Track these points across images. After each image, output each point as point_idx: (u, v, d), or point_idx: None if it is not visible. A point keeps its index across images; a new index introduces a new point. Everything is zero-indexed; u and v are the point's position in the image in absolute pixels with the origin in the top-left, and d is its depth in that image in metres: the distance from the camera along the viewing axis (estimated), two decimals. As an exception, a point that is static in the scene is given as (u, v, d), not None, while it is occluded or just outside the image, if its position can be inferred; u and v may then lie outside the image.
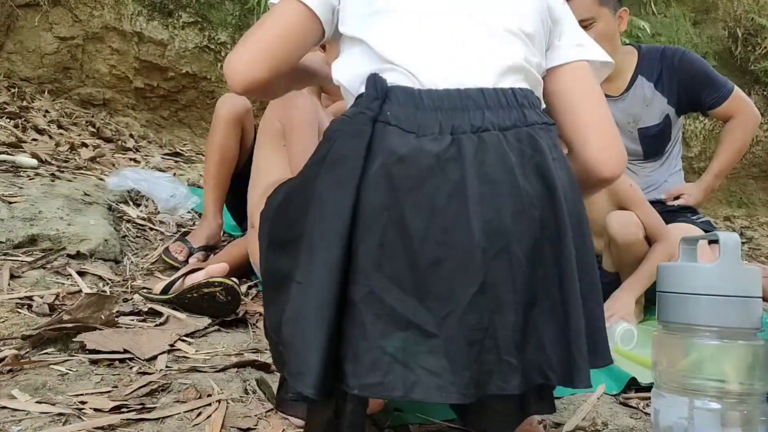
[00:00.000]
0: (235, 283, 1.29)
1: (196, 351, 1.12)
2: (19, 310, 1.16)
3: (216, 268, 1.33)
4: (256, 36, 0.81)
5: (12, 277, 1.27)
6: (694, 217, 1.89)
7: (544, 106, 0.82)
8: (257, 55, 0.80)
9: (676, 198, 1.90)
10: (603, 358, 0.74)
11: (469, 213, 0.66)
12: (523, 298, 0.67)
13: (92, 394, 0.89)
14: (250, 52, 0.80)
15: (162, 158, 2.71)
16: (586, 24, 1.75)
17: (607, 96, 1.61)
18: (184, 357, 1.09)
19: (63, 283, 1.31)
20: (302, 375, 0.65)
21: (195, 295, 1.28)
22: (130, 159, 2.52)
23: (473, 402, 0.66)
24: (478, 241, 0.66)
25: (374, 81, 0.73)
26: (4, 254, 1.35)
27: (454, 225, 0.66)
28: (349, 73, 0.79)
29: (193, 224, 1.96)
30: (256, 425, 0.87)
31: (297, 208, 0.74)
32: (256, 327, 1.31)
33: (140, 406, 0.87)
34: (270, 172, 1.55)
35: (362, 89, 0.75)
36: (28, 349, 1.02)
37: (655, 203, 1.93)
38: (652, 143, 1.92)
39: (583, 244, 0.73)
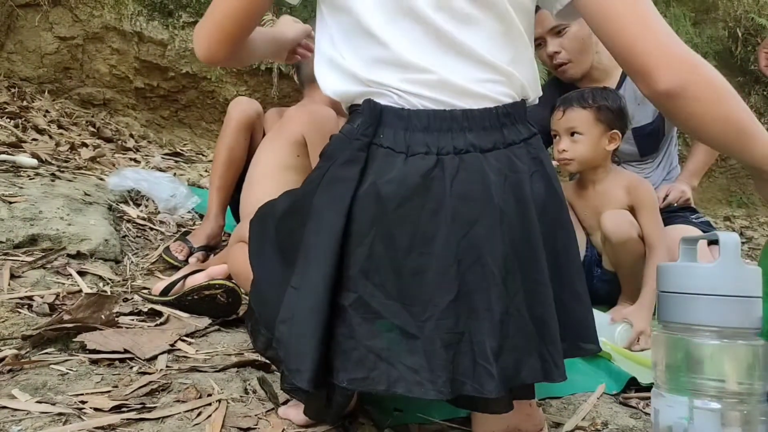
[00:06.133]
0: (236, 284, 1.29)
1: (197, 351, 1.12)
2: (20, 309, 1.16)
3: (217, 270, 1.33)
4: (213, 18, 0.88)
5: (12, 276, 1.27)
6: (693, 217, 1.88)
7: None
8: (214, 40, 0.89)
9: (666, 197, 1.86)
10: (591, 348, 0.83)
11: (449, 227, 0.72)
12: (497, 306, 0.72)
13: (92, 393, 0.89)
14: (208, 36, 0.89)
15: (162, 158, 2.72)
16: (559, 29, 1.77)
17: None
18: (184, 357, 1.09)
19: (63, 283, 1.31)
20: (300, 372, 0.73)
21: (195, 297, 1.28)
22: (131, 159, 2.53)
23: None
24: (455, 253, 0.72)
25: (370, 107, 0.78)
26: (5, 254, 1.35)
27: (434, 238, 0.73)
28: (339, 90, 0.83)
29: (194, 224, 1.97)
30: (256, 425, 0.87)
31: (297, 219, 0.82)
32: (256, 327, 1.30)
33: (140, 406, 0.87)
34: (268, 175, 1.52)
35: (356, 101, 0.81)
36: (28, 349, 1.02)
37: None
38: (647, 142, 1.91)
39: (566, 251, 0.80)
